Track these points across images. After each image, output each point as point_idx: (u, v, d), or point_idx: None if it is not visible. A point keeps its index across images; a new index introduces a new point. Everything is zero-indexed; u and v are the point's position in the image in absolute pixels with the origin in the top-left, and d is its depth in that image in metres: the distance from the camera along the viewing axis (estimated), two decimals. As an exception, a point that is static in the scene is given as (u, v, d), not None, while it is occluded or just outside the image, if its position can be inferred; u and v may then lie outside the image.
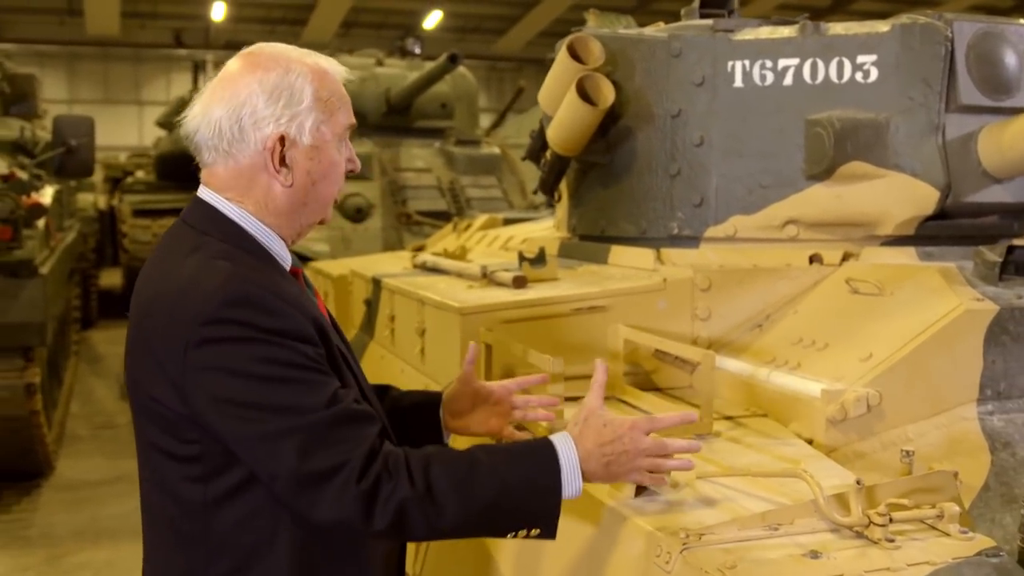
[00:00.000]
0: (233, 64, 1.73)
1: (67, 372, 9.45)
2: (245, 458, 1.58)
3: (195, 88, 14.51)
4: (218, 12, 25.92)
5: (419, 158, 9.56)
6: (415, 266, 3.80)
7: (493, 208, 8.45)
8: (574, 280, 2.99)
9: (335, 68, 1.77)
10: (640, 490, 1.82)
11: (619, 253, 3.19)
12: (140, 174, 15.40)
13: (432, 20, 26.55)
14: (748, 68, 2.97)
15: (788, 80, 2.93)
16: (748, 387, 2.55)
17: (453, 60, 8.91)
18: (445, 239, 5.85)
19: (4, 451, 6.30)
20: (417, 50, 10.89)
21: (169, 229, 1.77)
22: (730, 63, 2.99)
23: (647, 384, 2.77)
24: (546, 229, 4.43)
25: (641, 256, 3.05)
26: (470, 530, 1.68)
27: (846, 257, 2.87)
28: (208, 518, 1.63)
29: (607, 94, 3.09)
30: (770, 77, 2.95)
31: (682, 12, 3.36)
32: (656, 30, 3.23)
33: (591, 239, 3.42)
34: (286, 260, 1.77)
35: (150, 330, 1.63)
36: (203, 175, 1.76)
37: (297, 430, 1.53)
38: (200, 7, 25.83)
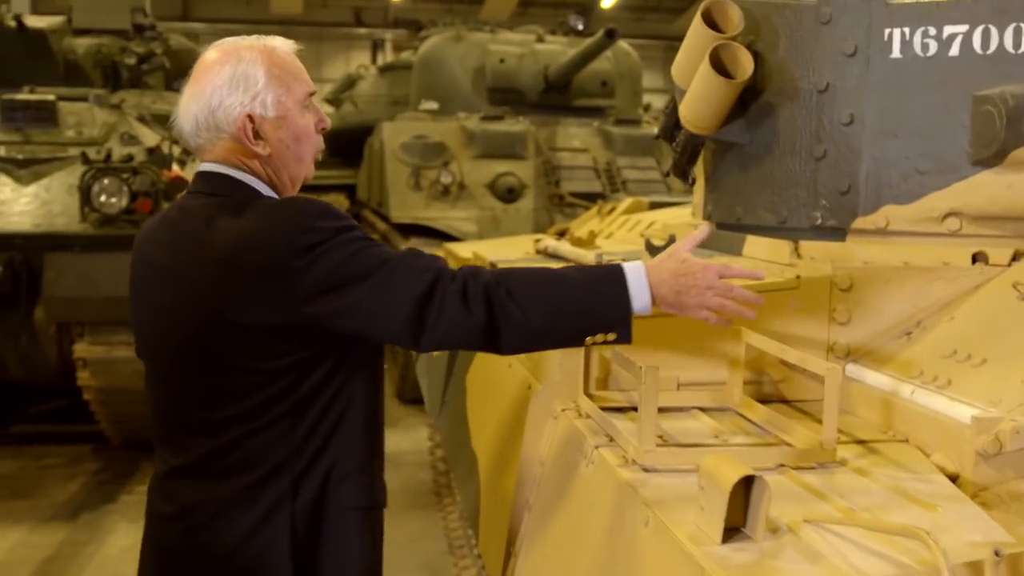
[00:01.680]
0: (199, 64, 2.03)
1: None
2: (361, 322, 1.87)
3: (367, 66, 14.62)
4: (397, -9, 26.25)
5: (576, 137, 9.26)
6: (537, 252, 3.54)
7: (650, 191, 8.11)
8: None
9: (284, 45, 2.05)
10: (729, 534, 1.51)
11: (754, 244, 2.85)
12: (313, 150, 15.57)
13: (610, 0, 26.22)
14: (908, 36, 2.58)
15: (954, 50, 2.53)
16: (888, 405, 2.20)
17: (610, 35, 8.57)
18: (589, 222, 5.57)
19: (142, 423, 6.36)
20: (580, 26, 10.59)
21: (182, 204, 2.05)
22: (887, 31, 2.61)
23: (774, 395, 2.44)
24: (687, 215, 4.11)
25: (777, 248, 2.71)
26: (553, 330, 1.92)
27: (1016, 257, 2.46)
28: (291, 424, 1.94)
29: (745, 65, 2.75)
30: (933, 46, 2.56)
31: (835, -25, 2.99)
32: (804, -6, 2.87)
33: (727, 227, 3.09)
34: None
35: (237, 269, 1.87)
36: (204, 155, 2.04)
37: (397, 269, 1.87)
38: (380, -14, 26.23)
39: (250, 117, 1.97)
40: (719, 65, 2.77)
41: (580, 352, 2.31)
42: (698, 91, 2.86)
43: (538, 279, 1.93)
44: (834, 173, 2.70)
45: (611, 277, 1.93)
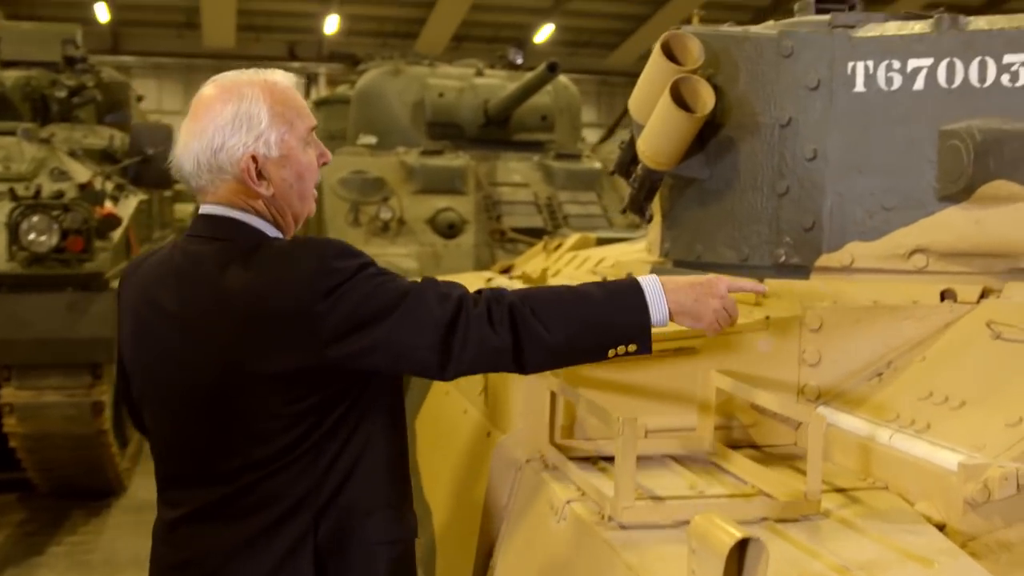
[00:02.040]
0: (198, 100, 1.94)
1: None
2: (388, 356, 1.84)
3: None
4: (331, 25, 26.18)
5: (516, 172, 9.17)
6: (489, 290, 3.43)
7: (592, 226, 8.04)
8: (661, 314, 2.58)
9: (284, 79, 1.98)
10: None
11: (715, 283, 2.76)
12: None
13: (544, 34, 26.36)
14: (872, 70, 2.54)
15: (919, 84, 2.49)
16: (865, 451, 2.12)
17: (552, 69, 8.51)
18: (534, 259, 5.48)
19: (72, 470, 6.12)
20: (519, 60, 10.53)
21: (186, 248, 1.96)
22: (850, 64, 2.56)
23: (744, 440, 2.35)
24: (639, 252, 4.03)
25: (740, 287, 2.62)
26: (577, 346, 1.92)
27: (985, 294, 2.41)
28: (311, 460, 1.87)
29: (706, 99, 2.69)
30: (898, 80, 2.52)
31: (795, 7, 2.94)
32: (764, 27, 2.82)
33: (686, 265, 3.01)
34: None
35: (258, 317, 1.82)
36: (205, 196, 1.96)
37: (420, 299, 1.84)
38: (313, 20, 26.12)
39: (254, 158, 1.91)
40: (679, 99, 2.70)
41: (544, 399, 2.21)
42: (657, 125, 2.78)
43: (560, 297, 1.95)
44: (797, 209, 2.64)
45: (629, 290, 1.96)
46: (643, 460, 2.15)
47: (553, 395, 2.17)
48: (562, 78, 9.85)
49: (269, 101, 1.91)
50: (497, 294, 1.90)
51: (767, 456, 2.28)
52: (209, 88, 1.94)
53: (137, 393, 2.06)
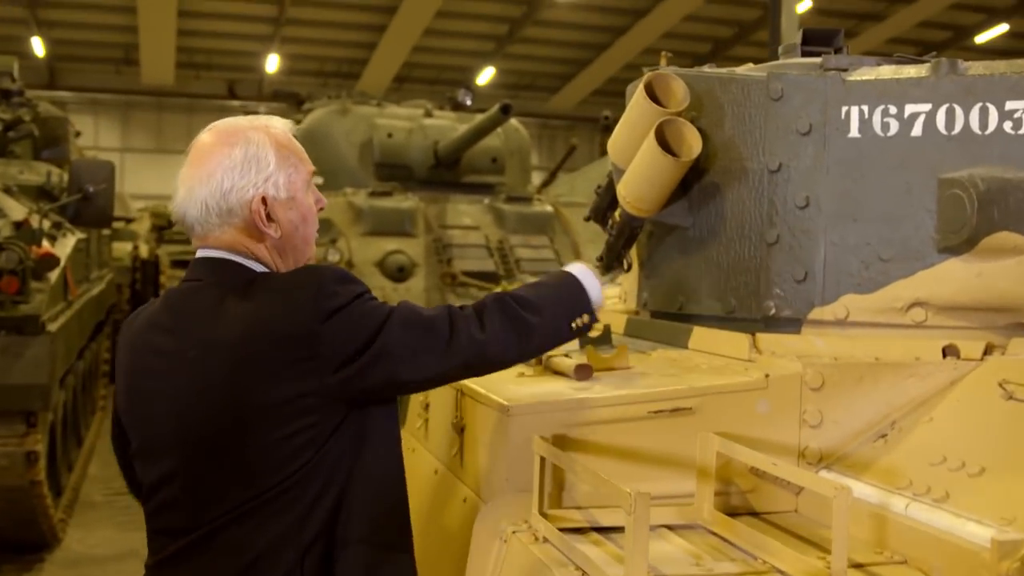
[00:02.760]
0: (198, 147, 1.94)
1: (90, 430, 8.95)
2: (390, 366, 1.85)
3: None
4: (272, 64, 26.05)
5: (467, 215, 9.03)
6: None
7: (544, 270, 7.91)
8: (651, 370, 2.42)
9: (282, 124, 2.01)
10: None
11: (704, 336, 2.62)
12: (185, 224, 15.07)
13: (485, 76, 26.47)
14: (867, 115, 2.42)
15: (917, 130, 2.38)
16: (879, 521, 1.97)
17: (505, 111, 8.42)
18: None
19: (3, 522, 5.79)
20: (468, 102, 10.42)
21: (183, 290, 1.96)
22: (844, 108, 2.44)
23: (743, 506, 2.20)
24: (611, 300, 3.88)
25: (733, 342, 2.48)
26: (550, 326, 2.03)
27: (988, 350, 2.29)
28: (298, 496, 1.83)
29: (692, 143, 2.56)
30: (894, 126, 2.40)
31: (780, 50, 2.84)
32: (751, 69, 2.70)
33: (666, 316, 2.87)
34: None
35: (255, 346, 1.80)
36: (206, 241, 1.95)
37: (412, 311, 1.91)
38: (254, 59, 25.99)
39: (264, 200, 1.91)
40: (664, 143, 2.57)
41: (529, 463, 2.04)
42: (640, 170, 2.64)
43: (525, 292, 2.07)
44: (789, 259, 2.50)
45: (566, 278, 2.13)
46: (641, 532, 1.99)
47: (542, 460, 2.00)
48: (513, 121, 9.76)
49: (275, 145, 1.94)
50: (479, 303, 1.99)
51: (768, 525, 2.13)
52: (207, 135, 1.95)
53: (135, 447, 2.00)
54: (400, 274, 8.26)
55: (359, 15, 23.37)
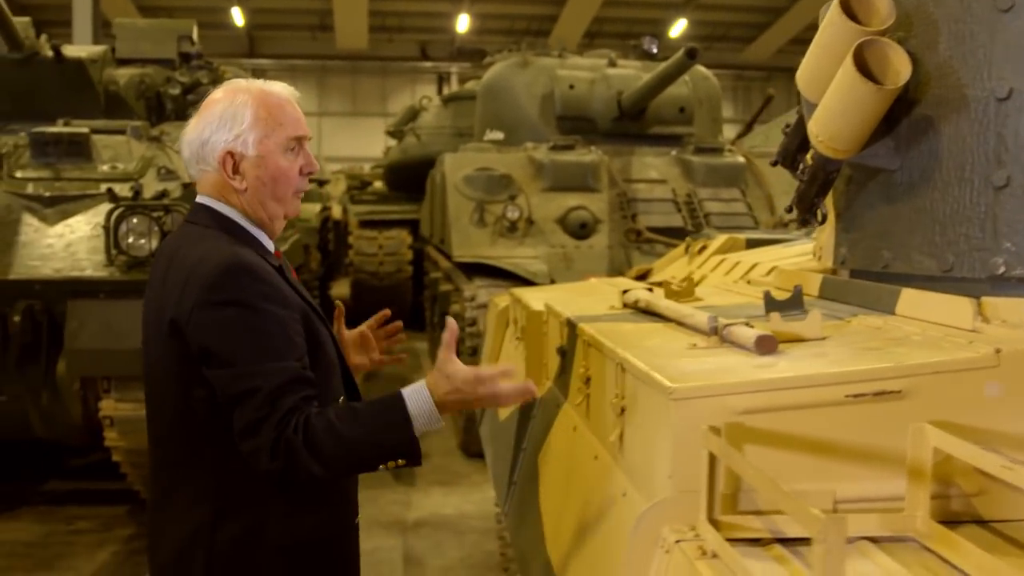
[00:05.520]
0: (206, 99, 2.20)
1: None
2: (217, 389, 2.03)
3: (430, 97, 14.15)
4: (463, 24, 26.12)
5: (653, 168, 8.59)
6: (625, 305, 2.89)
7: (736, 225, 7.43)
8: (850, 343, 2.01)
9: (283, 91, 2.21)
10: None
11: (914, 300, 2.19)
12: (378, 184, 15.28)
13: (677, 29, 25.84)
14: None
15: None
16: None
17: (691, 55, 7.90)
18: (675, 263, 4.92)
19: None
20: (654, 49, 9.93)
21: (178, 229, 2.28)
22: (1097, 17, 1.96)
23: (967, 512, 1.77)
24: (801, 257, 3.44)
25: (951, 307, 2.04)
26: (352, 459, 2.02)
27: None
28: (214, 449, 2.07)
29: (899, 68, 2.13)
30: None
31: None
32: (974, -24, 2.23)
33: (869, 276, 2.44)
34: (270, 245, 2.25)
35: (165, 297, 2.08)
36: (196, 185, 2.24)
37: (252, 386, 1.98)
38: (445, 20, 26.14)
39: (231, 153, 2.14)
40: (864, 68, 2.14)
41: (697, 456, 1.67)
42: (836, 103, 2.23)
43: (338, 427, 1.98)
44: (1022, 206, 2.04)
45: (394, 410, 2.03)
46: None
47: (712, 458, 1.63)
48: (701, 68, 9.25)
49: (255, 106, 2.15)
50: (292, 421, 1.96)
51: (999, 538, 1.70)
52: (217, 91, 2.20)
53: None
54: (582, 231, 7.91)
55: (550, -30, 23.13)
